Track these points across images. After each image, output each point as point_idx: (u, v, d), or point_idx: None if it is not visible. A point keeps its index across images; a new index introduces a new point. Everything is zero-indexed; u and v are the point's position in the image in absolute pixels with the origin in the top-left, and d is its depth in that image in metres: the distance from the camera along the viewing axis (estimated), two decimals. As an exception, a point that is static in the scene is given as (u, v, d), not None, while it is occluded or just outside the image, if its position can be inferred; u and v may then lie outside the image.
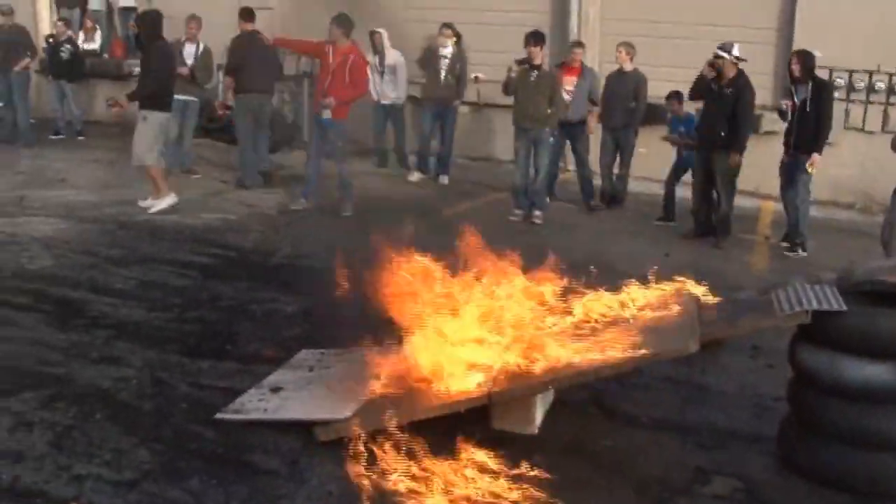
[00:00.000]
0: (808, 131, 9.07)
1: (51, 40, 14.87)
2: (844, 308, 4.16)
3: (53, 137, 14.50)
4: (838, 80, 11.80)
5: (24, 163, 12.26)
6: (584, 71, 10.86)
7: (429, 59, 11.88)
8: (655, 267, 5.55)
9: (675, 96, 10.34)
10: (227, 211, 9.87)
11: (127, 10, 16.65)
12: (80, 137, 14.47)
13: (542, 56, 9.92)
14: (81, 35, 15.98)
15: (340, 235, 8.52)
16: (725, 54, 9.15)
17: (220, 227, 9.14)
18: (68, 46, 14.37)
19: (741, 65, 9.22)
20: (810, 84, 9.10)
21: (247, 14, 11.67)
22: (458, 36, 12.13)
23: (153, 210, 9.47)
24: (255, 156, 11.57)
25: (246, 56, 11.25)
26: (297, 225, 9.41)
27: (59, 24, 15.05)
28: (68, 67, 14.36)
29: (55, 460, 4.26)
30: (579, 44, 11.21)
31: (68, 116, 14.64)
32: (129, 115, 10.78)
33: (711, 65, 9.28)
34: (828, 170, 11.75)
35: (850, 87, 11.92)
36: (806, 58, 9.19)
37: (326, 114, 9.78)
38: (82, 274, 7.25)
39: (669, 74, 10.74)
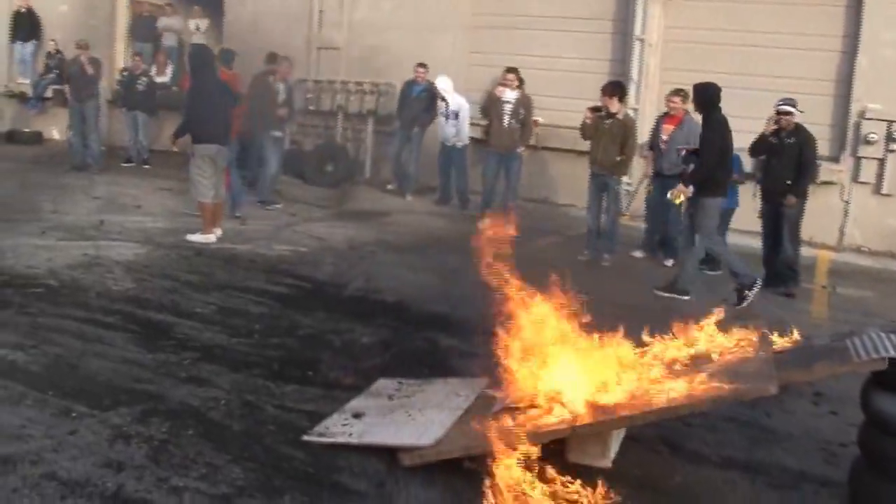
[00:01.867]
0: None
1: (125, 73, 15.37)
2: None
3: (125, 165, 14.96)
4: (897, 133, 11.84)
5: (99, 189, 12.65)
6: (683, 120, 10.40)
7: (491, 105, 12.05)
8: (717, 312, 5.67)
9: None
10: (297, 243, 10.13)
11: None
12: (146, 166, 14.92)
13: (618, 105, 10.07)
14: (154, 69, 16.50)
15: (410, 270, 8.75)
16: (793, 109, 9.25)
17: (292, 258, 9.38)
18: (144, 79, 14.89)
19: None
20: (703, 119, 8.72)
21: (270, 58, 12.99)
22: (521, 81, 12.37)
23: (190, 239, 9.68)
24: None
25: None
26: (368, 258, 9.65)
27: (137, 58, 15.58)
28: (143, 99, 14.84)
29: (154, 472, 4.43)
30: (675, 91, 10.56)
31: (138, 146, 15.12)
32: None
33: (777, 122, 9.37)
34: (884, 220, 11.83)
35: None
36: (703, 91, 8.70)
37: None
38: (164, 297, 7.49)
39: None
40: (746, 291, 8.65)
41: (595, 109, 10.11)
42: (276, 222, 11.22)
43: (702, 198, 8.73)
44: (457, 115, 12.76)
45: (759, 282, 8.66)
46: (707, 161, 8.62)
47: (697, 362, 4.83)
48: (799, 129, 9.38)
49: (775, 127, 9.41)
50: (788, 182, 9.31)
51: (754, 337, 5.02)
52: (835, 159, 12.18)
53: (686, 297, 8.67)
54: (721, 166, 8.70)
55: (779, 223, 9.47)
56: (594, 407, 4.55)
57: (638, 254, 10.81)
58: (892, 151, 11.95)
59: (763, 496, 4.70)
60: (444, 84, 12.83)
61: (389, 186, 13.94)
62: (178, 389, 5.52)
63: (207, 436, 4.89)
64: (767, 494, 4.72)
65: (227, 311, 7.26)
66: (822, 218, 11.31)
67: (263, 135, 12.30)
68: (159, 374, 5.74)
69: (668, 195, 8.97)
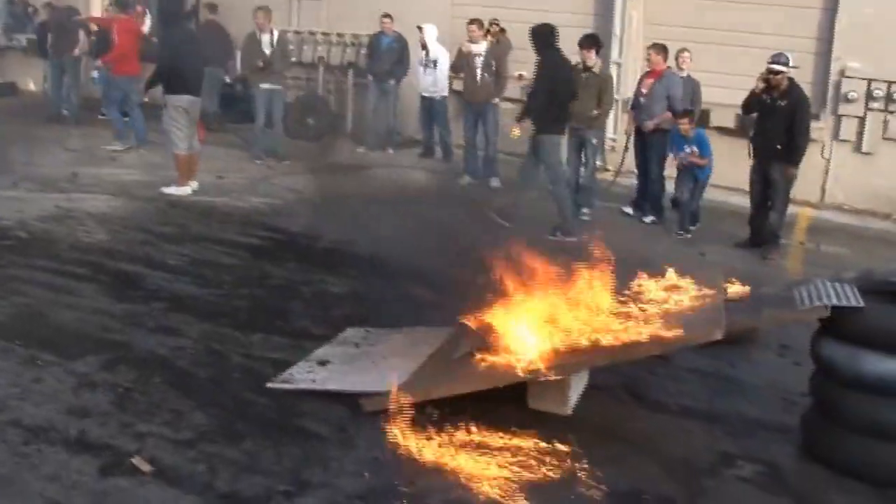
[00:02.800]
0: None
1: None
2: (862, 304, 4.39)
3: (101, 117, 14.86)
4: (877, 91, 11.87)
5: (73, 141, 12.64)
6: (664, 74, 10.33)
7: (462, 60, 11.93)
8: (688, 264, 5.81)
9: (685, 115, 9.94)
10: (274, 196, 10.21)
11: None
12: (126, 118, 14.83)
13: (594, 59, 10.08)
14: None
15: (387, 223, 8.90)
16: (784, 68, 9.04)
17: (267, 210, 9.48)
18: (120, 31, 14.76)
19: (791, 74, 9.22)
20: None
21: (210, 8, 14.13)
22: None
23: (166, 191, 9.74)
24: None
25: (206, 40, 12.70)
26: (345, 211, 9.70)
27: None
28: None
29: (118, 418, 4.56)
30: (654, 46, 10.49)
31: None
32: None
33: (766, 80, 9.19)
34: (865, 178, 11.91)
35: (889, 98, 11.94)
36: (537, 32, 9.28)
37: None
38: (137, 249, 7.59)
39: (710, 79, 10.84)
40: (560, 234, 9.01)
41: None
42: (254, 175, 11.27)
43: (539, 135, 9.21)
44: (436, 65, 12.66)
45: (575, 239, 8.68)
46: (537, 98, 9.14)
47: (652, 310, 4.96)
48: (792, 90, 9.15)
49: (765, 85, 9.33)
50: (779, 146, 9.10)
51: (708, 286, 5.15)
52: (816, 117, 12.17)
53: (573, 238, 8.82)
54: (553, 104, 9.10)
55: (768, 185, 9.34)
56: (549, 354, 4.68)
57: (629, 209, 10.81)
58: (871, 110, 12.01)
59: (719, 442, 4.84)
60: (431, 32, 12.65)
61: (360, 149, 13.65)
62: (146, 339, 5.63)
63: (173, 384, 5.01)
64: (723, 441, 4.86)
65: (200, 262, 7.36)
66: (803, 175, 11.30)
67: (252, 88, 12.53)
68: (128, 324, 5.85)
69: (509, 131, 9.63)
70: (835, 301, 4.41)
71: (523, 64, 12.82)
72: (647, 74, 10.59)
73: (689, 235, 9.88)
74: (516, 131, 9.35)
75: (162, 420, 4.57)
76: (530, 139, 9.35)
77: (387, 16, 13.26)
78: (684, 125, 9.87)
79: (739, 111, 9.88)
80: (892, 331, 4.36)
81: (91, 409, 4.64)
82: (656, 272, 5.61)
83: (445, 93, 12.86)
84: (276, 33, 12.46)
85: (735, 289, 5.34)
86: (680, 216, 10.13)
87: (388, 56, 13.27)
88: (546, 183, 9.42)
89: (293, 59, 14.37)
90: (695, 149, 9.95)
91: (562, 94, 9.14)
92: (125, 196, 9.46)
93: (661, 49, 10.40)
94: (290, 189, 10.64)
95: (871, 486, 4.43)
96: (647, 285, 5.36)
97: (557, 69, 9.13)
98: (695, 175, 10.08)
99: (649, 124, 10.27)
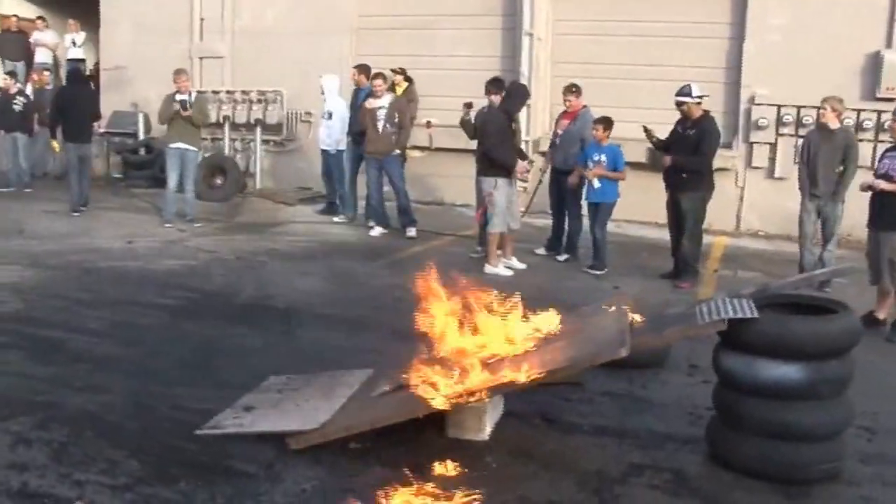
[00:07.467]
0: None
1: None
2: (757, 316, 5.05)
3: (3, 191, 15.20)
4: (787, 116, 12.86)
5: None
6: (578, 114, 11.08)
7: (365, 115, 12.37)
8: (603, 297, 6.49)
9: (601, 122, 10.48)
10: (187, 257, 10.78)
11: (74, 62, 17.64)
12: (28, 190, 15.23)
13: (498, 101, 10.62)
14: (29, 87, 16.76)
15: (300, 277, 9.52)
16: (687, 98, 9.88)
17: (182, 271, 10.03)
18: (21, 99, 15.15)
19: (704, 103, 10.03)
20: None
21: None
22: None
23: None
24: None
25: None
26: (259, 268, 10.34)
27: (7, 77, 15.82)
28: (20, 120, 15.13)
29: (56, 470, 5.04)
30: (568, 88, 11.22)
31: (18, 170, 15.41)
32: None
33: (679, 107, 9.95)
34: (778, 203, 12.79)
35: (799, 123, 12.92)
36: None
37: None
38: (55, 316, 8.06)
39: (619, 114, 11.60)
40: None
41: (469, 105, 10.88)
42: (166, 238, 11.80)
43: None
44: (331, 116, 13.30)
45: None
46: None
47: (558, 334, 5.64)
48: (702, 121, 9.90)
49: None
50: (685, 175, 9.87)
51: (613, 309, 5.85)
52: (728, 146, 13.13)
53: None
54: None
55: (679, 215, 10.09)
56: (464, 384, 5.30)
57: (540, 250, 11.54)
58: (782, 135, 13.01)
59: (629, 455, 5.51)
60: (329, 83, 13.33)
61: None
62: (74, 398, 6.10)
63: (105, 436, 5.50)
64: (633, 453, 5.53)
65: (119, 324, 7.88)
66: (718, 204, 12.19)
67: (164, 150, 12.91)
68: (55, 386, 6.32)
69: None
70: (731, 314, 5.07)
71: (432, 111, 13.67)
72: (563, 115, 11.33)
73: (601, 272, 10.47)
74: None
75: (98, 469, 5.06)
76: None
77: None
78: (598, 131, 10.42)
79: (651, 146, 10.68)
80: (784, 339, 5.03)
81: (29, 463, 5.09)
82: (565, 304, 6.28)
83: (342, 147, 13.33)
84: (193, 94, 12.92)
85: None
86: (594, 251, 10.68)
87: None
88: None
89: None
90: (603, 158, 10.41)
91: None
92: (37, 266, 9.92)
93: (575, 89, 11.14)
94: (204, 250, 11.22)
95: (770, 483, 5.08)
96: (550, 315, 6.00)
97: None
98: (595, 205, 10.57)
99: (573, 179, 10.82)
